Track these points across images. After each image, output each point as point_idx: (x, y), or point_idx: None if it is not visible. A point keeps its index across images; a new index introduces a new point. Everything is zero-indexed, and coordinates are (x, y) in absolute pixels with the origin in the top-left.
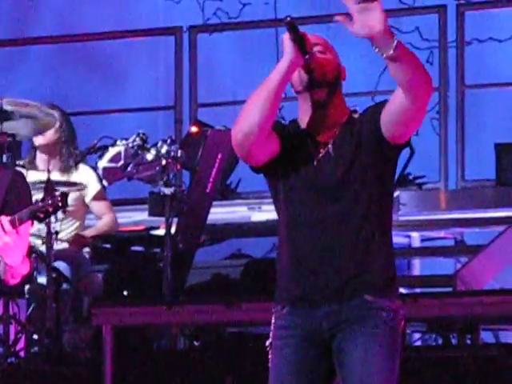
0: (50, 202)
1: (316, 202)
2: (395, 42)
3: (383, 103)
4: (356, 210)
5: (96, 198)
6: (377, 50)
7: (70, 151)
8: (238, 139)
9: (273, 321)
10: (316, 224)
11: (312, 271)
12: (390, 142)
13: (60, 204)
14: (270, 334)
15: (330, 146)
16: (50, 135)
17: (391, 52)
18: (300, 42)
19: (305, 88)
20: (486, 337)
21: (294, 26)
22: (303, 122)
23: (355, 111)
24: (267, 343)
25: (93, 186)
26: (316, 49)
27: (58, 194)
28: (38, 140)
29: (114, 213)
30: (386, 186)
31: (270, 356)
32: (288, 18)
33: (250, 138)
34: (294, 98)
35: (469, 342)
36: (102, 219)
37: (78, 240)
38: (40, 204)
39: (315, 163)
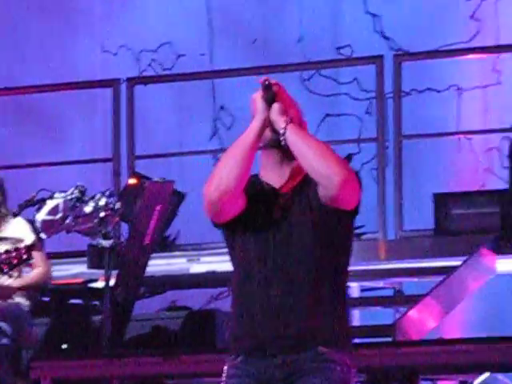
0: (14, 254)
1: (271, 257)
2: (282, 130)
3: None
4: (310, 264)
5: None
6: None
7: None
8: (214, 198)
9: (225, 370)
10: (271, 278)
11: (267, 324)
12: (331, 207)
13: (25, 256)
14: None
15: (289, 198)
16: None
17: (282, 131)
18: (272, 102)
19: (269, 145)
20: None
21: (270, 87)
22: (264, 176)
23: None
24: None
25: (27, 237)
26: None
27: (22, 246)
28: None
29: (48, 266)
30: (340, 241)
31: None
32: (267, 82)
33: (225, 196)
34: None
35: None
36: (31, 272)
37: (2, 291)
38: (4, 256)
39: (273, 218)
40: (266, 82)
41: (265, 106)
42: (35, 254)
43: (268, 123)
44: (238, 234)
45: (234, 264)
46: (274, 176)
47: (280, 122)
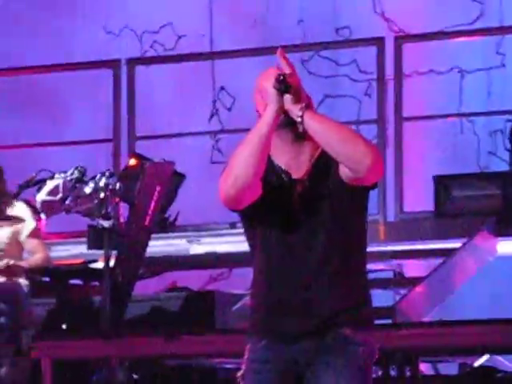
0: None
1: (294, 241)
2: (299, 118)
3: None
4: (333, 249)
5: (30, 235)
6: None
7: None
8: (231, 193)
9: (246, 353)
10: (294, 265)
11: (292, 308)
12: (349, 183)
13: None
14: (243, 367)
15: (306, 183)
16: None
17: (299, 119)
18: (285, 91)
19: (280, 126)
20: (426, 369)
21: (285, 80)
22: (276, 157)
23: None
24: (238, 374)
25: (28, 223)
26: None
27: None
28: None
29: (47, 252)
30: (359, 220)
31: None
32: (281, 77)
33: (243, 190)
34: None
35: (408, 374)
36: (34, 256)
37: (11, 268)
38: None
39: (292, 201)
40: (281, 77)
41: (278, 96)
42: (34, 240)
43: (282, 112)
44: (257, 222)
45: (256, 251)
46: (287, 157)
47: (296, 111)
